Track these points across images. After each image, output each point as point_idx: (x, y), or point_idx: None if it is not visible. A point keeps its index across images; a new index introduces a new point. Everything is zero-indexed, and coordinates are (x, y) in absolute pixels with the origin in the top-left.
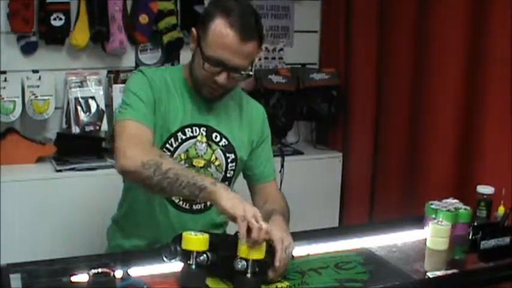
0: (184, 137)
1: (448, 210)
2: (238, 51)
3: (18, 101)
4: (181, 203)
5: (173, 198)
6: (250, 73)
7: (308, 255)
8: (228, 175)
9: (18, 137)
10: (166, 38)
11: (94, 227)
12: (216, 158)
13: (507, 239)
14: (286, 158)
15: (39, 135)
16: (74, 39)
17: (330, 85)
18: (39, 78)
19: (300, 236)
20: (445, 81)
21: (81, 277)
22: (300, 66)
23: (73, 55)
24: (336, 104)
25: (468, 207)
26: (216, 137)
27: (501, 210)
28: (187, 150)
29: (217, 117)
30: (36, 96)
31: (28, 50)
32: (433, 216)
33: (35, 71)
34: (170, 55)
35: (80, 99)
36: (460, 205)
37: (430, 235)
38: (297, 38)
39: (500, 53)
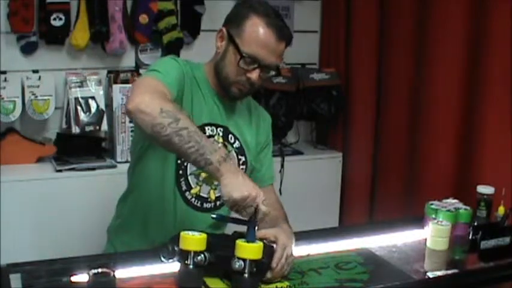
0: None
1: (448, 210)
2: (274, 49)
3: (18, 101)
4: (193, 200)
5: (186, 194)
6: (275, 73)
7: (308, 255)
8: None
9: (18, 137)
10: (166, 38)
11: (94, 227)
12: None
13: (507, 239)
14: (286, 158)
15: (39, 135)
16: (74, 39)
17: (330, 85)
18: (39, 78)
19: (300, 236)
20: (445, 81)
21: (81, 277)
22: (300, 66)
23: (73, 55)
24: (336, 104)
25: (468, 207)
26: (231, 138)
27: (501, 210)
28: None
29: (232, 120)
30: (36, 96)
31: (28, 50)
32: (433, 216)
33: (35, 71)
34: (170, 55)
35: (80, 99)
36: (460, 205)
37: (430, 235)
38: (297, 38)
39: (500, 53)
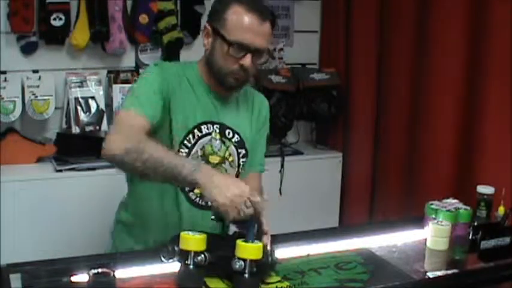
0: (200, 134)
1: (448, 210)
2: (259, 32)
3: (18, 101)
4: (198, 199)
5: (190, 194)
6: (268, 57)
7: (308, 255)
8: (239, 170)
9: (18, 137)
10: (166, 38)
11: (94, 226)
12: (230, 154)
13: (507, 239)
14: (286, 158)
15: (39, 135)
16: (74, 39)
17: (330, 85)
18: (39, 78)
19: (300, 236)
20: (445, 81)
21: (81, 277)
22: (300, 66)
23: (73, 55)
24: (336, 104)
25: (468, 207)
26: (229, 133)
27: (501, 210)
28: (203, 147)
29: (229, 114)
30: (36, 96)
31: (28, 50)
32: (433, 216)
33: (35, 71)
34: (170, 55)
35: (80, 99)
36: (460, 205)
37: (430, 235)
38: (297, 38)
39: (500, 53)
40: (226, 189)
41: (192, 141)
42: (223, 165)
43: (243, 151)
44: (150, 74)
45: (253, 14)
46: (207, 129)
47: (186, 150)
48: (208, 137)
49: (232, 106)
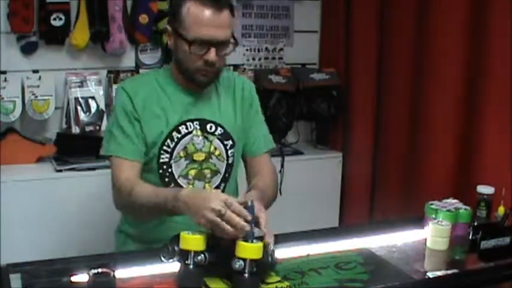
0: (179, 135)
1: (448, 210)
2: (217, 24)
3: (18, 101)
4: None
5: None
6: (232, 45)
7: (308, 255)
8: (229, 162)
9: (18, 137)
10: (166, 38)
11: (94, 226)
12: (215, 148)
13: (507, 239)
14: (286, 158)
15: (39, 135)
16: (74, 39)
17: (330, 85)
18: (39, 78)
19: (300, 236)
20: (445, 81)
21: (81, 277)
22: (300, 66)
23: (73, 55)
24: (336, 104)
25: (468, 207)
26: (211, 127)
27: (501, 210)
28: (185, 147)
29: (209, 107)
30: (36, 96)
31: (28, 50)
32: (433, 216)
33: (35, 71)
34: (170, 55)
35: (80, 99)
36: (460, 205)
37: (430, 235)
38: (297, 38)
39: (500, 53)
40: (197, 211)
41: (172, 145)
42: (210, 160)
43: (230, 142)
44: (120, 105)
45: (208, 6)
46: (187, 128)
47: (167, 155)
48: (189, 136)
49: (211, 98)
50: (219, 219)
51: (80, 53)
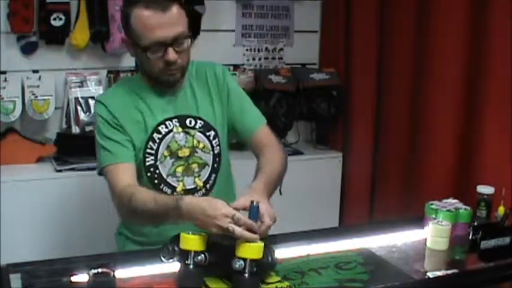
0: (160, 136)
1: (448, 210)
2: (165, 23)
3: (18, 101)
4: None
5: (175, 194)
6: (189, 38)
7: (308, 255)
8: (215, 152)
9: (18, 137)
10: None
11: (94, 226)
12: (199, 142)
13: (507, 239)
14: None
15: (39, 135)
16: (74, 39)
17: (330, 85)
18: (39, 78)
19: (300, 236)
20: (445, 81)
21: (81, 277)
22: (300, 66)
23: (73, 55)
24: (336, 104)
25: (468, 207)
26: (190, 122)
27: (501, 210)
28: (168, 146)
29: (186, 103)
30: (36, 96)
31: (28, 50)
32: (433, 216)
33: (35, 71)
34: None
35: (80, 99)
36: (460, 205)
37: (430, 235)
38: (297, 38)
39: (500, 53)
40: (206, 221)
41: (155, 147)
42: (195, 154)
43: (212, 132)
44: (100, 118)
45: (152, 9)
46: (166, 127)
47: (152, 158)
48: (171, 134)
49: (187, 93)
50: (233, 224)
51: (80, 53)
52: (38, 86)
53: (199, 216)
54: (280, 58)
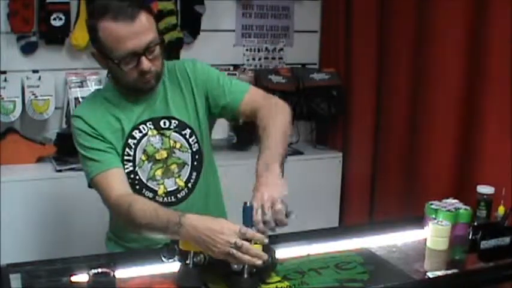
0: (135, 141)
1: (448, 210)
2: (136, 32)
3: (18, 101)
4: (166, 199)
5: (157, 198)
6: (160, 44)
7: (308, 255)
8: (194, 149)
9: (18, 137)
10: (166, 38)
11: (94, 226)
12: (175, 142)
13: (507, 239)
14: (286, 158)
15: (39, 135)
16: (74, 39)
17: (330, 85)
18: (39, 78)
19: (300, 236)
20: (445, 81)
21: (81, 277)
22: (300, 66)
23: (73, 55)
24: (336, 104)
25: (468, 207)
26: (164, 123)
27: (501, 210)
28: (144, 151)
29: (158, 105)
30: (36, 96)
31: (28, 50)
32: (433, 216)
33: (35, 71)
34: (170, 55)
35: (80, 99)
36: (460, 205)
37: (430, 235)
38: (297, 38)
39: (500, 52)
40: (208, 245)
41: (131, 152)
42: (173, 155)
43: (188, 130)
44: (79, 132)
45: (119, 21)
46: (140, 131)
47: (131, 164)
48: (146, 138)
49: (159, 95)
50: (235, 251)
51: (80, 53)
52: (38, 86)
53: (204, 231)
54: (280, 58)
